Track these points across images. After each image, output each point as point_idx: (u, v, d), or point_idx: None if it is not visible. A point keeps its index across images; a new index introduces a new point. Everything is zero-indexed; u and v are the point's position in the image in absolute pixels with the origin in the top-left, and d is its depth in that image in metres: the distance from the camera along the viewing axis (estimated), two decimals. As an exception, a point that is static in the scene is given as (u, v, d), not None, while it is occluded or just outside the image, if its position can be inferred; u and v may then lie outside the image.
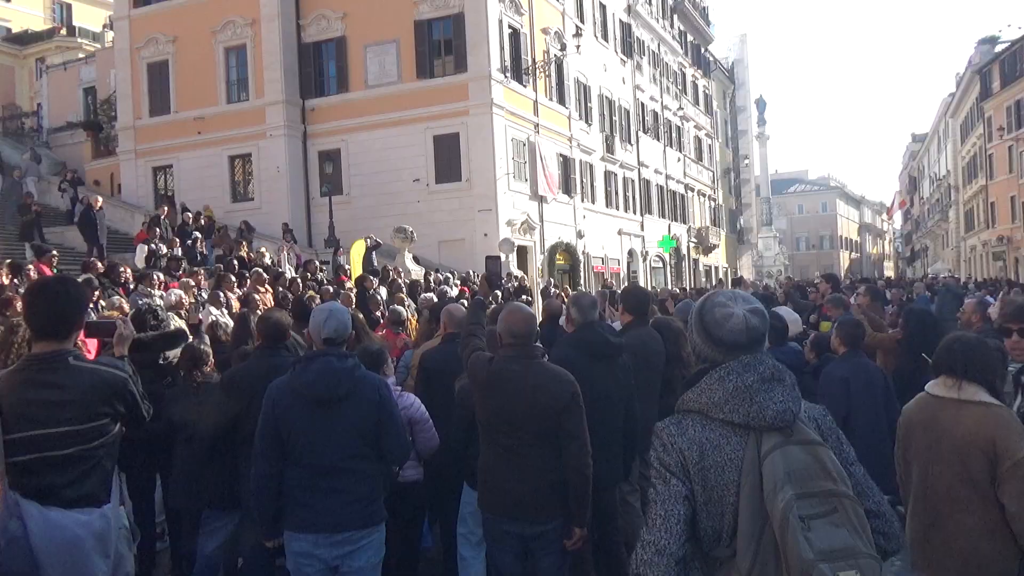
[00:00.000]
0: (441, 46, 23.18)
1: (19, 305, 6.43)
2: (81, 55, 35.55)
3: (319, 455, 3.20)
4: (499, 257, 18.88)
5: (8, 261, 10.87)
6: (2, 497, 2.57)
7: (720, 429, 1.95)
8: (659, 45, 37.45)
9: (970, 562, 2.89)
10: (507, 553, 3.39)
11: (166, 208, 19.42)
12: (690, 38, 43.58)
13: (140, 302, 7.46)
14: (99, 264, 11.18)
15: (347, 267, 16.73)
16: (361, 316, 6.50)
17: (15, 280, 9.13)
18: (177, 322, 6.70)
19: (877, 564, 1.80)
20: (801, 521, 1.77)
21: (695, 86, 43.98)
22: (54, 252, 11.63)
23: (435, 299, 9.29)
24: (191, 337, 5.33)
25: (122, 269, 10.60)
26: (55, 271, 10.51)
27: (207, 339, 6.31)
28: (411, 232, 19.20)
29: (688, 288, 22.90)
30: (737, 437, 1.93)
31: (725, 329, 1.99)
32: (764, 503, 1.84)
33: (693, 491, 1.93)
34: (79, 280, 5.74)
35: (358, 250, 16.90)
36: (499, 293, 13.12)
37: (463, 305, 5.85)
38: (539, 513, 3.34)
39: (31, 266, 9.85)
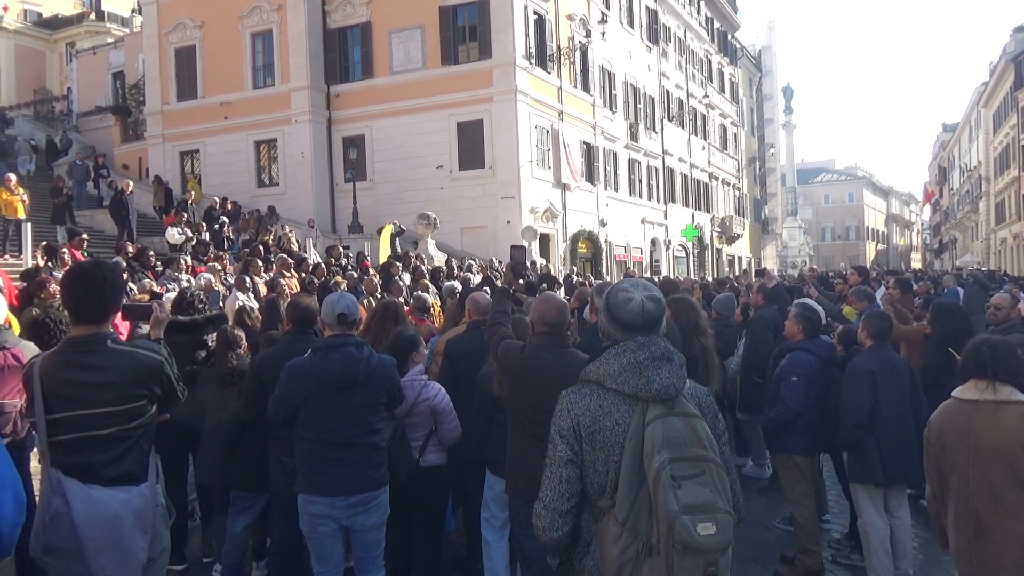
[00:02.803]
0: (466, 32, 23.12)
1: (52, 287, 6.58)
2: (110, 40, 35.95)
3: (334, 432, 3.53)
4: (524, 246, 18.86)
5: (43, 244, 11.10)
6: (45, 475, 2.66)
7: (612, 398, 2.25)
8: (685, 32, 37.04)
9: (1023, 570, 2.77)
10: (535, 538, 3.43)
11: (192, 192, 19.64)
12: (717, 24, 43.04)
13: (183, 286, 7.58)
14: (130, 247, 11.36)
15: (367, 255, 16.86)
16: (400, 302, 6.56)
17: (50, 263, 9.32)
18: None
19: (731, 519, 2.13)
20: (673, 480, 2.06)
21: (721, 73, 43.47)
22: (85, 235, 11.85)
23: (458, 287, 9.33)
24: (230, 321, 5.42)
25: (151, 253, 10.76)
26: (86, 254, 10.71)
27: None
28: (434, 219, 19.27)
29: (712, 278, 22.73)
30: (626, 406, 2.23)
31: (625, 311, 2.30)
32: (643, 463, 2.13)
33: (582, 452, 2.25)
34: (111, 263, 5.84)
35: (386, 234, 17.02)
36: (523, 282, 13.12)
37: (486, 292, 5.89)
38: None
39: (65, 249, 10.04)
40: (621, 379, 2.24)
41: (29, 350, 3.87)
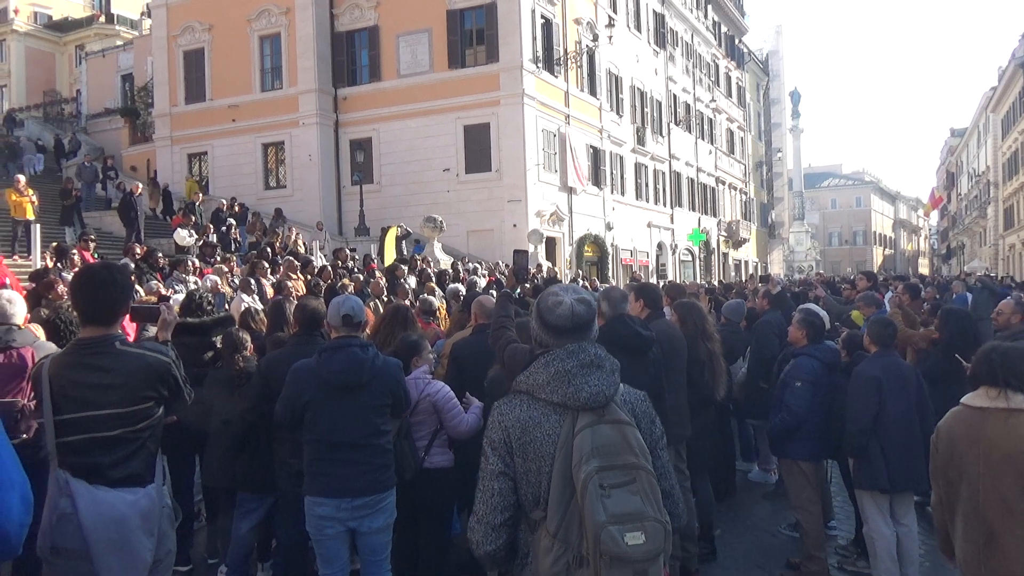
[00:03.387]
0: (473, 36, 23.18)
1: (60, 288, 6.61)
2: (119, 42, 36.19)
3: (340, 433, 3.53)
4: (526, 251, 18.90)
5: (53, 245, 11.16)
6: (53, 476, 2.68)
7: (542, 408, 2.20)
8: (692, 36, 37.04)
9: None
10: None
11: (200, 195, 19.72)
12: (724, 29, 43.03)
13: (190, 288, 7.60)
14: (138, 249, 11.40)
15: (374, 257, 16.88)
16: (408, 305, 6.58)
17: (59, 263, 9.36)
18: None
19: (662, 527, 2.07)
20: (601, 489, 2.04)
21: (728, 78, 43.45)
22: (92, 236, 11.91)
23: (462, 290, 9.34)
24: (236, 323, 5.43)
25: (159, 255, 10.79)
26: (94, 255, 10.76)
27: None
28: (440, 222, 19.29)
29: (720, 283, 22.70)
30: (556, 415, 2.18)
31: (555, 315, 2.26)
32: (572, 473, 2.09)
33: (514, 464, 2.21)
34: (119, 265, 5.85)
35: (391, 237, 17.05)
36: (527, 286, 13.14)
37: (492, 295, 5.89)
38: None
39: (75, 250, 10.09)
40: (550, 389, 2.19)
41: (43, 350, 3.88)
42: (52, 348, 3.94)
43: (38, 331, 4.45)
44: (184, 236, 14.69)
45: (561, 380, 2.18)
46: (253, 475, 4.45)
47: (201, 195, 19.94)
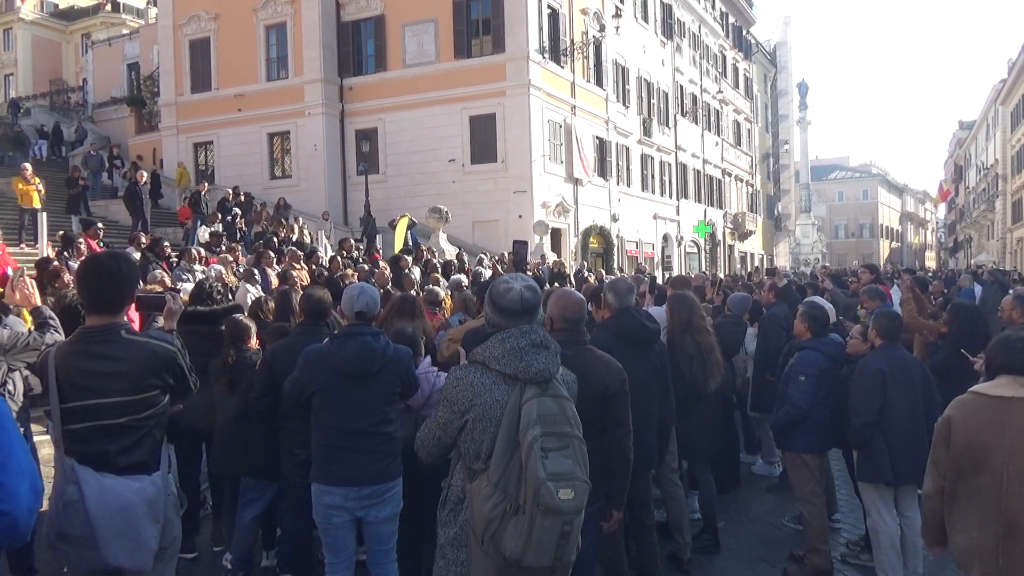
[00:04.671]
0: (479, 26, 23.08)
1: (67, 277, 6.63)
2: (125, 31, 36.18)
3: (349, 421, 3.53)
4: (526, 242, 18.81)
5: (60, 233, 11.19)
6: (59, 463, 2.69)
7: (494, 377, 2.56)
8: (700, 27, 36.83)
9: None
10: None
11: (206, 184, 19.73)
12: (732, 20, 42.75)
13: (197, 278, 7.61)
14: (143, 238, 11.43)
15: (378, 247, 16.88)
16: (415, 295, 6.58)
17: (65, 252, 9.39)
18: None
19: (587, 487, 2.48)
20: (542, 451, 2.40)
21: (735, 69, 43.20)
22: (100, 225, 11.94)
23: (464, 280, 9.34)
24: (244, 311, 5.45)
25: (166, 244, 10.80)
26: (101, 244, 10.79)
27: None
28: (446, 212, 19.27)
29: (725, 275, 22.65)
30: (506, 385, 2.54)
31: (506, 300, 2.63)
32: (518, 435, 2.45)
33: (461, 421, 2.57)
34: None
35: (402, 227, 17.05)
36: (532, 275, 13.13)
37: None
38: None
39: (81, 239, 10.11)
40: (504, 361, 2.53)
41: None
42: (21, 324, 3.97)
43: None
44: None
45: (514, 355, 2.53)
46: (256, 461, 4.47)
47: (205, 184, 19.90)
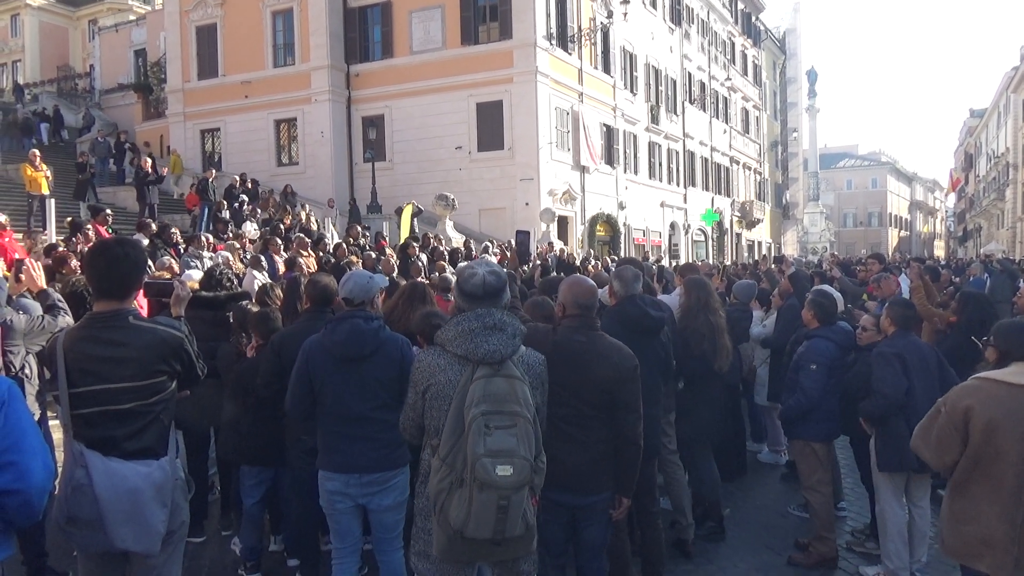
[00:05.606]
0: (486, 12, 22.95)
1: (74, 263, 6.65)
2: (132, 17, 36.07)
3: (347, 406, 3.53)
4: (528, 232, 18.78)
5: (68, 220, 11.22)
6: (68, 447, 2.71)
7: (449, 358, 2.74)
8: (708, 13, 36.53)
9: None
10: (555, 524, 3.42)
11: (213, 171, 19.73)
12: (741, 6, 42.37)
13: (205, 264, 7.61)
14: (152, 224, 11.44)
15: (385, 235, 16.88)
16: (427, 283, 6.59)
17: (74, 238, 9.42)
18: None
19: (528, 464, 2.55)
20: (486, 428, 2.51)
21: (744, 56, 42.88)
22: (108, 211, 11.96)
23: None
24: (252, 298, 5.47)
25: (173, 230, 10.81)
26: (110, 231, 10.82)
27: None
28: (452, 200, 19.23)
29: (733, 264, 22.57)
30: (459, 366, 2.71)
31: (470, 284, 2.78)
32: (464, 413, 2.59)
33: (424, 399, 2.78)
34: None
35: (407, 214, 17.04)
36: (527, 268, 13.12)
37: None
38: (593, 484, 3.38)
39: (89, 226, 10.14)
40: (455, 343, 2.70)
41: None
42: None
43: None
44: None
45: (465, 337, 2.68)
46: (250, 449, 4.50)
47: (212, 171, 19.87)
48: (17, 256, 7.26)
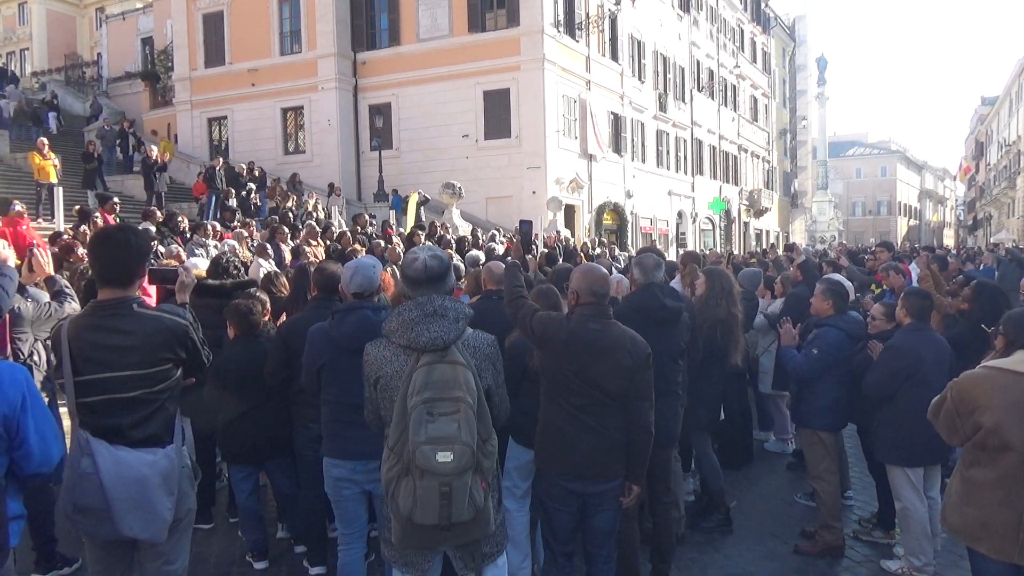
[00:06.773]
0: (493, -1, 22.83)
1: (80, 251, 6.66)
2: (139, 5, 35.99)
3: (353, 395, 3.46)
4: (531, 221, 18.69)
5: (76, 208, 11.25)
6: (75, 435, 2.71)
7: (395, 349, 2.76)
8: (718, 0, 36.22)
9: None
10: (565, 512, 3.42)
11: (220, 159, 19.74)
12: (750, -8, 42.05)
13: (211, 252, 7.61)
14: (159, 213, 11.45)
15: (392, 223, 16.86)
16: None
17: (82, 227, 9.44)
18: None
19: (469, 451, 2.53)
20: (429, 415, 2.52)
21: (753, 43, 42.54)
22: (116, 200, 11.98)
23: (482, 257, 9.31)
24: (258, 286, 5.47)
25: (180, 219, 10.82)
26: (117, 219, 10.84)
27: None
28: (459, 188, 19.19)
29: (741, 252, 22.47)
30: (405, 355, 2.72)
31: (412, 269, 2.80)
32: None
33: (376, 391, 2.80)
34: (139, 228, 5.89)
35: (412, 203, 17.01)
36: (531, 257, 13.05)
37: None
38: (605, 472, 3.37)
39: (97, 214, 10.16)
40: (398, 334, 2.71)
41: None
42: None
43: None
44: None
45: (406, 328, 2.68)
46: (232, 447, 4.49)
47: (220, 159, 19.85)
48: (35, 243, 7.28)
